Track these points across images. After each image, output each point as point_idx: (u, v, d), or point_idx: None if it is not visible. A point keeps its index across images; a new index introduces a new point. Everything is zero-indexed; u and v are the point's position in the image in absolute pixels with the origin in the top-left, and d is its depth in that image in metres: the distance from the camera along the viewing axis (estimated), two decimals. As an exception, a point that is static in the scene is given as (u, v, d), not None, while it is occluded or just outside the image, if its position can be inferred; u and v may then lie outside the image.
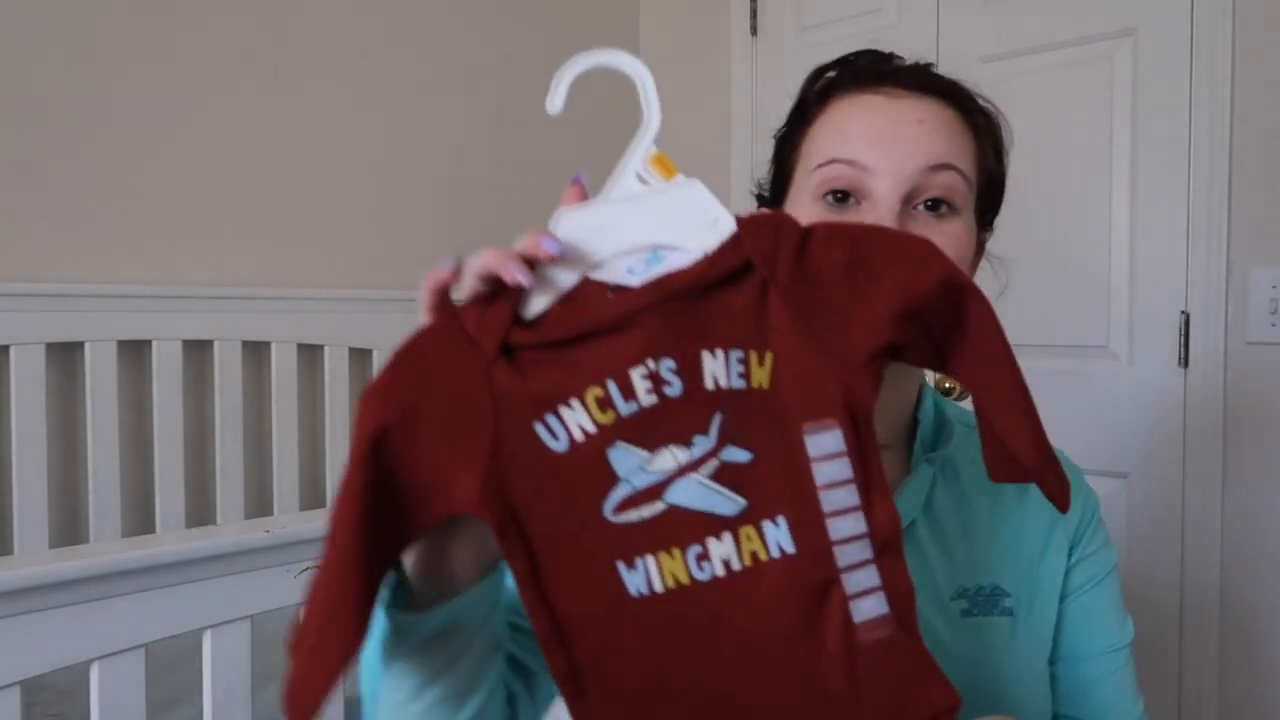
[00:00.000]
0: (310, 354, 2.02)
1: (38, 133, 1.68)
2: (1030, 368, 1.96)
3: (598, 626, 0.49)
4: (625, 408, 0.49)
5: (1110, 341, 1.84)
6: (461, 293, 0.51)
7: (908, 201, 0.69)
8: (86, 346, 1.72)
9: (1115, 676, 0.77)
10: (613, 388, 0.48)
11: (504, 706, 0.61)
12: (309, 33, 2.01)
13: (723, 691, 0.49)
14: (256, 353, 1.95)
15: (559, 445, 0.49)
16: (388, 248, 2.13)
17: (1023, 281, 1.92)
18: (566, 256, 0.50)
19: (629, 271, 0.50)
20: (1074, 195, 1.87)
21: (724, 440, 0.49)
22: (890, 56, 0.75)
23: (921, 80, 0.73)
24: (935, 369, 0.53)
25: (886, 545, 0.49)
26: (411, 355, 0.49)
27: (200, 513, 1.89)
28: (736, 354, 0.49)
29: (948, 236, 0.69)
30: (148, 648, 0.95)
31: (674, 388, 0.49)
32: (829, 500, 0.49)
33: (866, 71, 0.73)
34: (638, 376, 0.49)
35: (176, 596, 0.95)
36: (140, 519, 1.81)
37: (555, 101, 0.54)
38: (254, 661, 1.04)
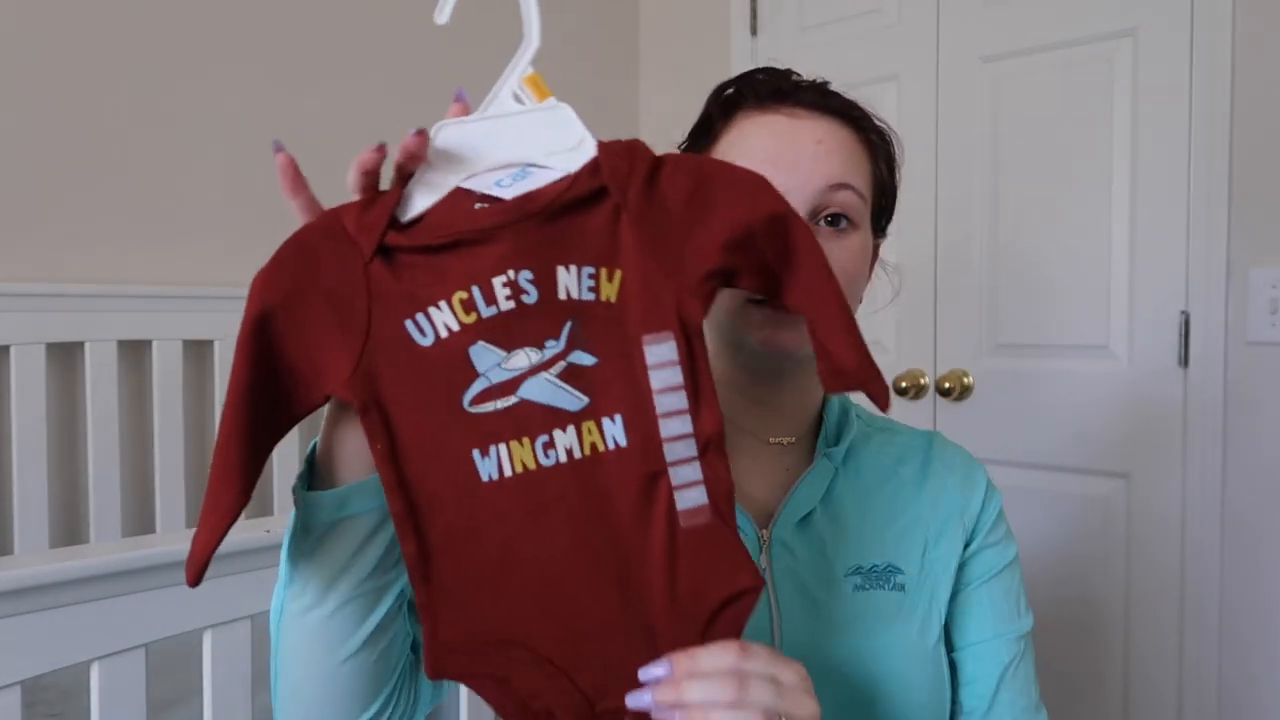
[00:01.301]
0: (310, 354, 2.02)
1: (38, 133, 1.68)
2: (1030, 368, 1.96)
3: (449, 508, 0.55)
4: (486, 311, 0.54)
5: (1110, 341, 1.84)
6: (350, 188, 0.57)
7: (810, 218, 0.75)
8: (86, 346, 1.72)
9: (1016, 663, 0.82)
10: (476, 293, 0.54)
11: (405, 644, 0.65)
12: (309, 34, 2.01)
13: (558, 568, 0.55)
14: (256, 353, 1.95)
15: (426, 341, 0.54)
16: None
17: (1023, 281, 1.94)
18: (443, 164, 0.56)
19: (497, 184, 0.56)
20: (1074, 195, 1.87)
21: (572, 345, 0.55)
22: (788, 74, 0.80)
23: (819, 100, 0.78)
24: (769, 295, 0.59)
25: (709, 445, 0.56)
26: (296, 247, 0.56)
27: (200, 513, 1.89)
28: (588, 269, 0.55)
29: (847, 250, 0.76)
30: (148, 648, 0.95)
31: (531, 296, 0.55)
32: (661, 403, 0.55)
33: (767, 90, 0.78)
34: (499, 284, 0.54)
35: (176, 596, 0.95)
36: (140, 519, 1.81)
37: (443, 14, 0.59)
38: (254, 661, 1.04)
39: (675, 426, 0.55)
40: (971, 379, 2.01)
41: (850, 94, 0.81)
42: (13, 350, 1.63)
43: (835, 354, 0.57)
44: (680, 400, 0.55)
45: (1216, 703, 1.72)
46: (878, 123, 0.82)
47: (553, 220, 0.55)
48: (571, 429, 0.55)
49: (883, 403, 0.60)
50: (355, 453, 0.59)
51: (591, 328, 0.55)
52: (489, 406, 0.55)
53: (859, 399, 0.89)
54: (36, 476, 1.66)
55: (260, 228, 1.97)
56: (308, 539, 0.60)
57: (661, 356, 0.55)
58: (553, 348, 0.55)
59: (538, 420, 0.55)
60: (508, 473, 0.55)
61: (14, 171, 1.66)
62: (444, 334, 0.54)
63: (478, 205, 0.55)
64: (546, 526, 0.55)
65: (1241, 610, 1.70)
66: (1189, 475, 1.74)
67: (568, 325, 0.55)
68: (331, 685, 0.62)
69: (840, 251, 0.75)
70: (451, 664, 0.55)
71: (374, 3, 2.10)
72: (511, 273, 0.54)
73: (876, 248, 0.85)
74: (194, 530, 0.56)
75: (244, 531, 1.00)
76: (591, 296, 0.55)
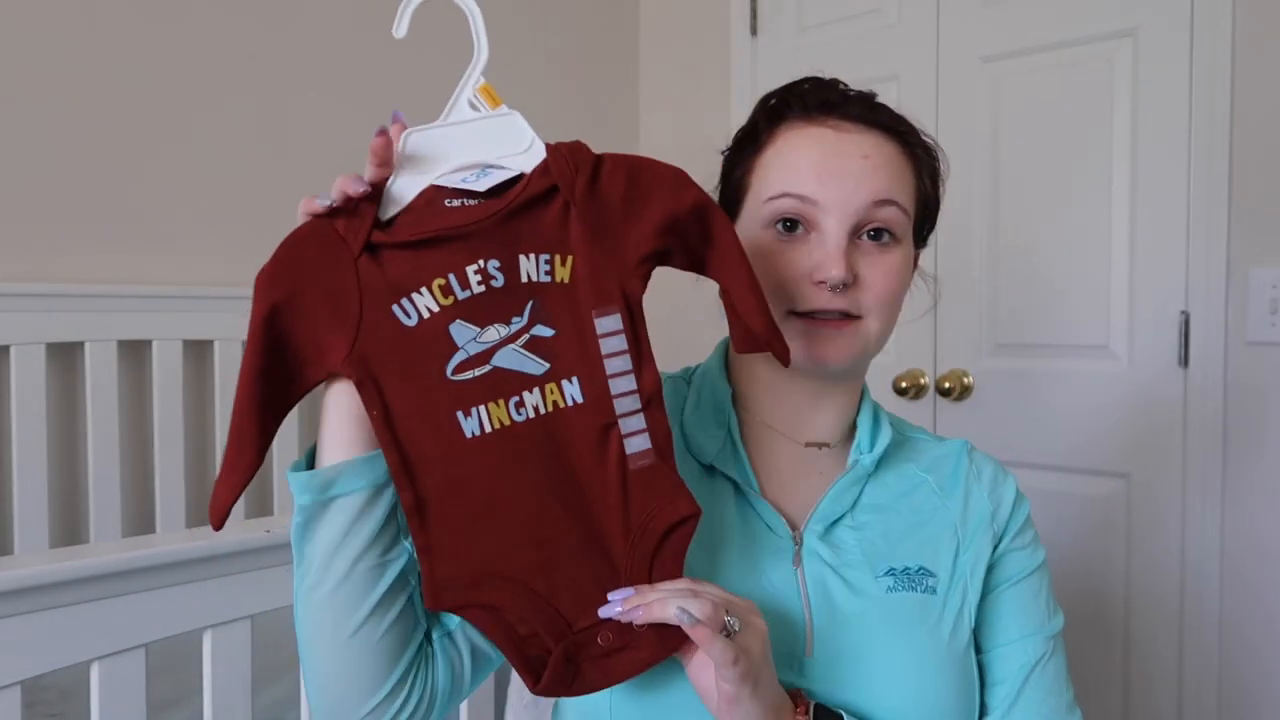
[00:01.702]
0: (310, 354, 2.02)
1: (38, 133, 1.68)
2: (1030, 368, 1.96)
3: (440, 462, 0.64)
4: (462, 294, 0.64)
5: (1110, 341, 1.84)
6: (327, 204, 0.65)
7: (853, 233, 0.77)
8: (86, 346, 1.72)
9: (1044, 663, 0.82)
10: (453, 279, 0.64)
11: (414, 630, 0.69)
12: (310, 35, 2.01)
13: (533, 507, 0.64)
14: (256, 353, 1.95)
15: (411, 322, 0.63)
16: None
17: (1023, 281, 1.94)
18: (412, 166, 0.65)
19: (463, 181, 0.65)
20: (1074, 195, 1.87)
21: (534, 320, 0.65)
22: (835, 84, 0.81)
23: (867, 114, 0.78)
24: (697, 271, 0.70)
25: (650, 400, 0.66)
26: (293, 247, 0.64)
27: (200, 513, 1.89)
28: (544, 256, 0.65)
29: (889, 265, 0.78)
30: (148, 648, 0.95)
31: (498, 281, 0.64)
32: (610, 365, 0.66)
33: (814, 101, 0.79)
34: (471, 272, 0.64)
35: (176, 596, 0.95)
36: (140, 519, 1.81)
37: (400, 28, 0.69)
38: (254, 661, 1.04)
39: (622, 385, 0.66)
40: (971, 379, 2.01)
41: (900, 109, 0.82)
42: (13, 350, 1.63)
43: (746, 317, 0.68)
44: (625, 363, 0.66)
45: (1216, 702, 1.72)
46: (924, 137, 0.82)
47: (513, 216, 0.65)
48: (537, 390, 0.65)
49: (784, 359, 0.70)
50: (343, 439, 0.66)
51: (549, 305, 0.65)
52: (468, 374, 0.64)
53: (895, 407, 0.90)
54: (36, 476, 1.66)
55: (260, 228, 1.97)
56: (303, 519, 0.66)
57: (608, 327, 0.66)
58: (518, 323, 0.65)
59: (509, 384, 0.64)
60: (487, 429, 0.64)
61: (15, 172, 1.66)
62: (426, 315, 0.63)
63: (448, 202, 0.64)
64: (521, 472, 0.64)
65: (1241, 610, 1.70)
66: (1189, 475, 1.74)
67: (530, 304, 0.65)
68: (340, 660, 0.66)
69: (883, 266, 0.77)
70: (447, 597, 0.64)
71: (374, 5, 2.10)
72: (481, 262, 0.64)
73: (916, 258, 0.86)
74: (208, 507, 0.65)
75: (244, 531, 1.00)
76: (548, 279, 0.65)
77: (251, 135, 1.93)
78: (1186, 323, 1.74)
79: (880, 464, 0.84)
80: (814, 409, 0.83)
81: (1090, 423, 1.85)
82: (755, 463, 0.82)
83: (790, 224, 0.77)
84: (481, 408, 0.64)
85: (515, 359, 0.65)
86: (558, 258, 0.65)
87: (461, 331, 0.64)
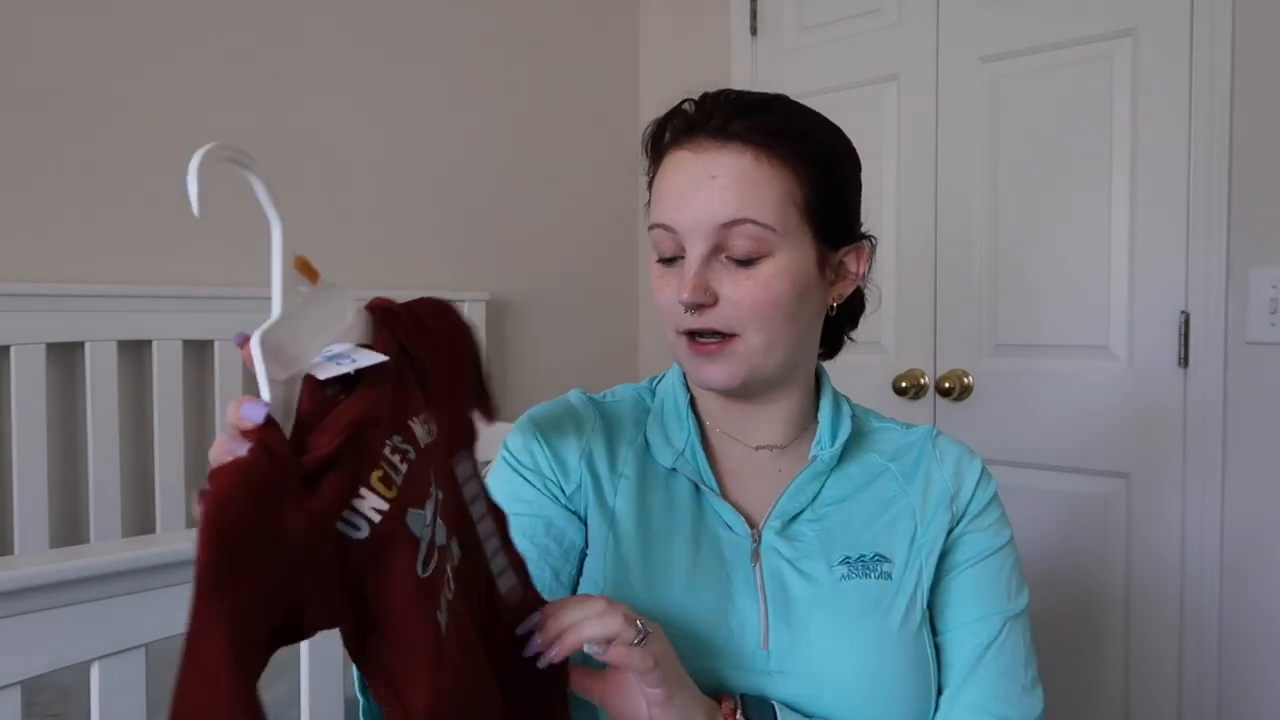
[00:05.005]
0: (310, 354, 2.02)
1: (39, 132, 1.68)
2: (1030, 368, 1.96)
3: (432, 677, 0.53)
4: (398, 478, 0.53)
5: (1110, 341, 1.84)
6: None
7: (717, 253, 0.76)
8: (86, 346, 1.72)
9: (999, 644, 0.81)
10: (387, 468, 0.53)
11: None
12: (312, 37, 2.01)
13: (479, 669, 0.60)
14: (256, 353, 1.95)
15: (361, 534, 0.51)
16: (387, 248, 2.14)
17: (1023, 281, 1.94)
18: (285, 365, 0.53)
19: (337, 364, 0.54)
20: (1074, 195, 1.87)
21: (435, 484, 0.58)
22: (704, 100, 0.80)
23: (720, 129, 0.77)
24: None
25: (505, 533, 0.66)
26: (238, 541, 0.46)
27: (200, 513, 1.89)
28: (421, 416, 0.58)
29: (756, 279, 0.76)
30: (148, 648, 0.95)
31: (411, 453, 0.55)
32: (474, 511, 0.64)
33: (682, 125, 0.79)
34: (388, 452, 0.54)
35: (176, 596, 0.95)
36: (140, 519, 1.81)
37: (196, 205, 0.54)
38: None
39: (485, 528, 0.65)
40: (971, 379, 2.01)
41: (777, 103, 0.79)
42: (13, 350, 1.63)
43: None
44: (482, 507, 0.65)
45: (1216, 703, 1.72)
46: (805, 136, 0.78)
47: (391, 386, 0.56)
48: (449, 560, 0.59)
49: None
50: None
51: (436, 466, 0.59)
52: (433, 565, 0.55)
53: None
54: (36, 476, 1.66)
55: (260, 229, 1.97)
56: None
57: (465, 473, 0.64)
58: (433, 492, 0.57)
59: (441, 562, 0.57)
60: (443, 620, 0.55)
61: (14, 172, 1.66)
62: (375, 518, 0.51)
63: (329, 392, 0.54)
64: (467, 641, 0.60)
65: (1241, 610, 1.70)
66: (1189, 475, 1.74)
67: (430, 470, 0.57)
68: None
69: (746, 284, 0.76)
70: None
71: (376, 9, 2.10)
72: (395, 438, 0.55)
73: (840, 257, 0.82)
74: (196, 532, 0.48)
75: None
76: (430, 438, 0.58)
77: (252, 136, 1.93)
78: (1186, 323, 1.74)
79: (843, 456, 0.85)
80: (754, 418, 0.85)
81: (1090, 423, 1.85)
82: (715, 465, 0.84)
83: (668, 260, 0.79)
84: (443, 598, 0.56)
85: (440, 533, 0.57)
86: (425, 415, 0.59)
87: (415, 520, 0.53)
